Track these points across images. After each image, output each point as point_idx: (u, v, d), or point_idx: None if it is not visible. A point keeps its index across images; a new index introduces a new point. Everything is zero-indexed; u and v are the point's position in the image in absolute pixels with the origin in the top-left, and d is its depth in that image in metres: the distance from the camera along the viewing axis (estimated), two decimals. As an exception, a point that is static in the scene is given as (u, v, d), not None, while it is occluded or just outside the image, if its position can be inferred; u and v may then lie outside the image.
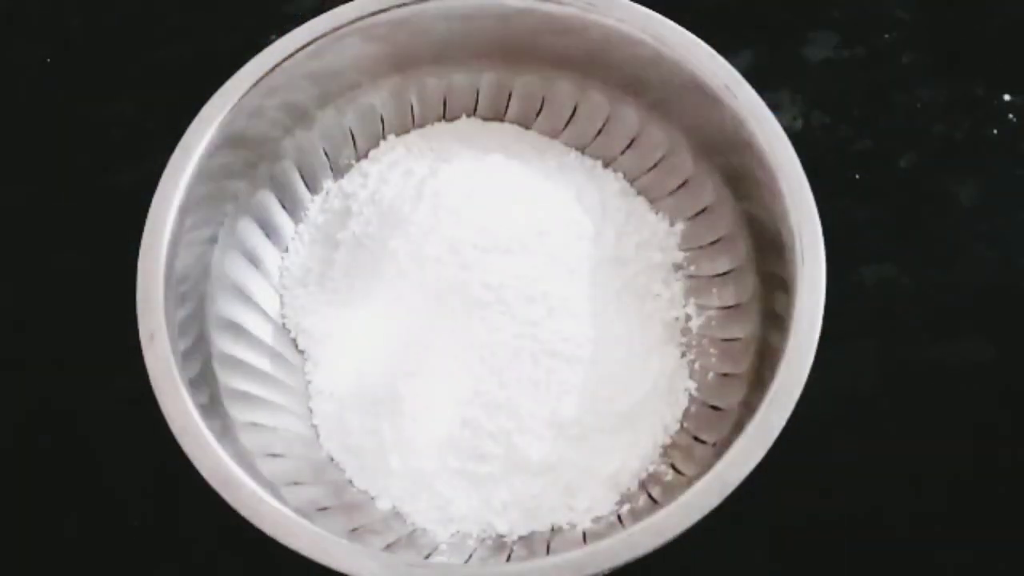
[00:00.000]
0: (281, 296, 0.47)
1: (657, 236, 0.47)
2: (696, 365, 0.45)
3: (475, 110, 0.50)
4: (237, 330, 0.44)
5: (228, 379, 0.42)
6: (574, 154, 0.49)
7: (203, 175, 0.42)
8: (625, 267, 0.46)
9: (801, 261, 0.39)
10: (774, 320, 0.41)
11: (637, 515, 0.41)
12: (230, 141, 0.43)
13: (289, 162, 0.47)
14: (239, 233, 0.45)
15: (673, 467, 0.43)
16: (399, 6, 0.45)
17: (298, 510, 0.36)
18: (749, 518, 0.43)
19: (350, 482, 0.43)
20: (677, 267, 0.47)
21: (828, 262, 0.39)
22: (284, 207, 0.48)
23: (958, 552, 0.44)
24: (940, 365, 0.47)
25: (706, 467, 0.37)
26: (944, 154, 0.52)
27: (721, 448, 0.39)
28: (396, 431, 0.42)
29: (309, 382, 0.45)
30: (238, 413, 0.41)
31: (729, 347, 0.44)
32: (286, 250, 0.48)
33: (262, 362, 0.44)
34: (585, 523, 0.42)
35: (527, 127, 0.50)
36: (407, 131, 0.50)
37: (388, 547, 0.39)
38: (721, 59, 0.43)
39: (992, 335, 0.48)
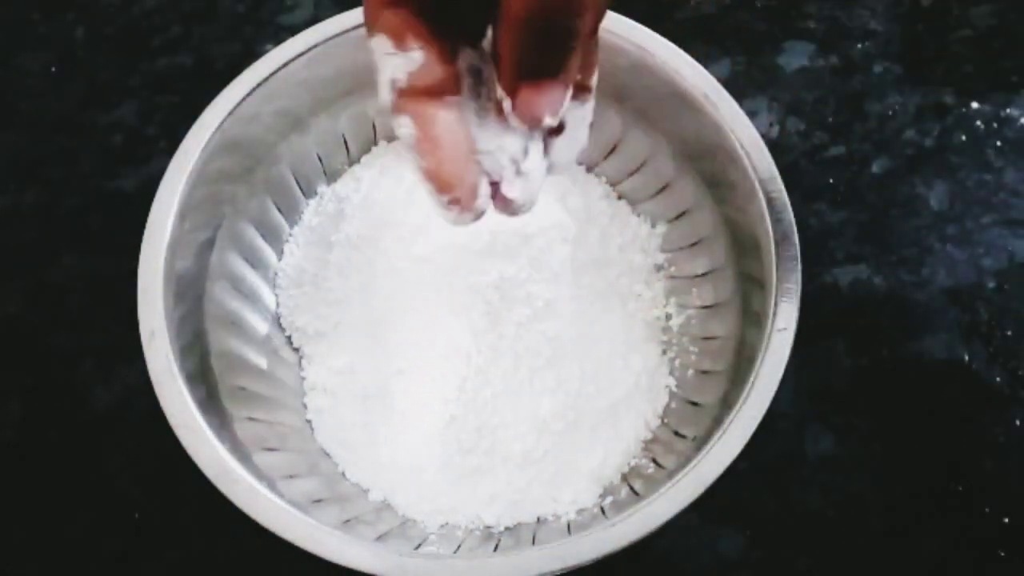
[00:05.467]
0: (277, 295, 0.48)
1: (639, 238, 0.48)
2: (676, 362, 0.46)
3: (464, 117, 0.51)
4: (234, 328, 0.45)
5: (226, 375, 0.43)
6: (559, 159, 0.50)
7: (202, 179, 0.43)
8: (608, 268, 0.47)
9: (777, 262, 0.40)
10: (751, 319, 0.42)
11: (619, 507, 0.42)
12: (228, 146, 0.44)
13: (285, 166, 0.48)
14: (236, 235, 0.46)
15: (654, 461, 0.43)
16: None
17: (293, 502, 0.37)
18: (727, 510, 0.45)
19: (343, 475, 0.44)
20: (658, 268, 0.48)
21: (803, 263, 0.40)
22: (280, 210, 0.48)
23: (929, 542, 0.44)
24: (911, 362, 0.48)
25: (686, 461, 0.37)
26: (915, 160, 0.53)
27: (700, 442, 0.40)
28: (387, 426, 0.43)
29: (303, 378, 0.46)
30: (235, 408, 0.42)
31: (708, 345, 0.45)
32: (282, 251, 0.48)
33: (258, 359, 0.45)
34: (569, 515, 0.43)
35: (513, 133, 0.51)
36: (398, 137, 0.50)
37: (380, 537, 0.40)
38: (701, 68, 0.44)
39: (961, 333, 0.49)
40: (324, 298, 0.46)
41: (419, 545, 0.41)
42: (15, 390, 0.49)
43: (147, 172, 0.52)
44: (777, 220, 0.41)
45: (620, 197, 0.50)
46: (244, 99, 0.44)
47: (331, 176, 0.50)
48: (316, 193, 0.49)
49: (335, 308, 0.46)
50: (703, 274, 0.46)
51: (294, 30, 0.45)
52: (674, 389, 0.45)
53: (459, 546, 0.41)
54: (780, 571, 0.44)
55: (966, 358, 0.48)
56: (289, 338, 0.47)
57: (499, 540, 0.42)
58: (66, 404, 0.48)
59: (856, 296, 0.50)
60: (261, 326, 0.46)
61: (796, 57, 0.56)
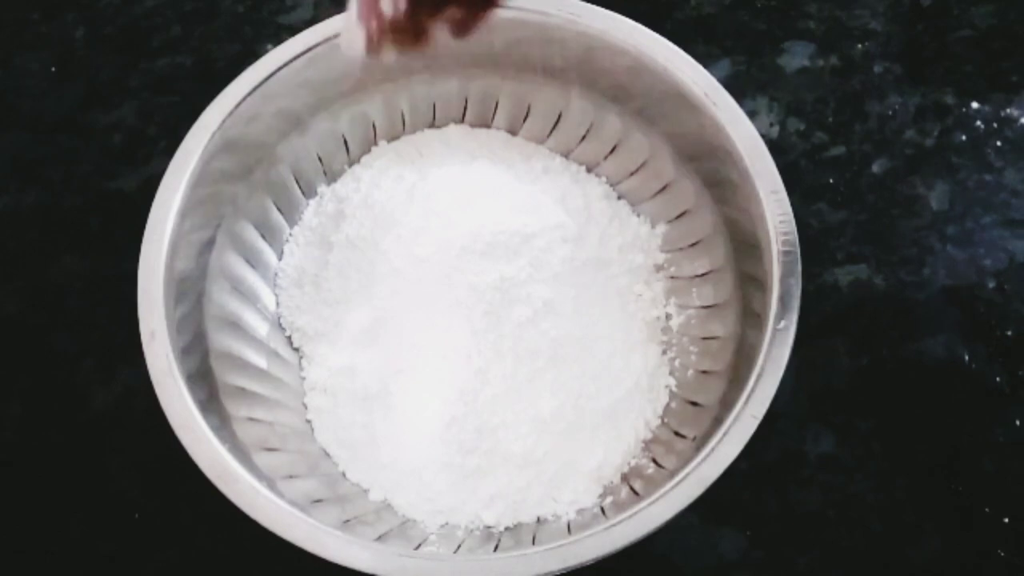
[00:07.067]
0: (277, 296, 0.48)
1: (639, 238, 0.48)
2: (676, 362, 0.46)
3: (463, 117, 0.51)
4: (234, 328, 0.45)
5: (226, 376, 0.43)
6: (559, 159, 0.50)
7: (202, 179, 0.43)
8: (608, 268, 0.47)
9: (777, 262, 0.40)
10: (751, 319, 0.42)
11: (620, 507, 0.42)
12: (228, 146, 0.44)
13: (285, 167, 0.48)
14: (236, 235, 0.46)
15: (654, 461, 0.44)
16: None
17: (293, 502, 0.37)
18: (727, 510, 0.45)
19: (343, 475, 0.44)
20: (658, 268, 0.48)
21: (803, 263, 0.40)
22: (280, 210, 0.48)
23: (929, 542, 0.45)
24: (911, 362, 0.48)
25: (686, 461, 0.38)
26: (915, 160, 0.53)
27: (700, 442, 0.40)
28: (387, 426, 0.43)
29: (303, 378, 0.46)
30: (235, 408, 0.42)
31: (708, 345, 0.45)
32: (281, 251, 0.48)
33: (258, 359, 0.45)
34: (570, 515, 0.43)
35: (514, 133, 0.51)
36: (398, 137, 0.51)
37: (380, 538, 0.40)
38: (701, 68, 0.44)
39: (960, 333, 0.49)
40: (324, 298, 0.46)
41: (419, 545, 0.41)
42: (15, 390, 0.49)
43: (147, 172, 0.53)
44: (777, 220, 0.41)
45: (620, 197, 0.50)
46: (244, 99, 0.44)
47: (331, 176, 0.50)
48: (316, 193, 0.49)
49: (335, 308, 0.46)
50: (703, 274, 0.46)
51: (294, 30, 0.45)
52: (674, 389, 0.45)
53: (459, 546, 0.41)
54: (780, 571, 0.44)
55: (966, 358, 0.48)
56: (289, 338, 0.47)
57: (499, 540, 0.42)
58: (66, 404, 0.48)
59: (856, 296, 0.50)
60: (261, 326, 0.46)
61: (796, 57, 0.56)
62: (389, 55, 0.35)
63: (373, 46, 0.34)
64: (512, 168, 0.48)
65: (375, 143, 0.50)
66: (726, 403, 0.40)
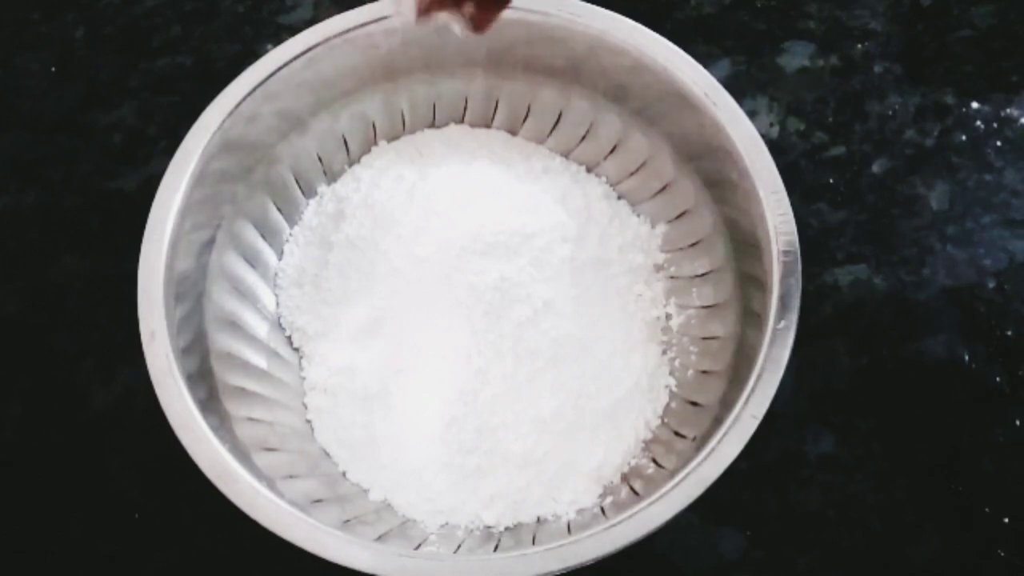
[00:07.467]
0: (277, 296, 0.47)
1: (639, 238, 0.48)
2: (676, 362, 0.46)
3: (463, 117, 0.51)
4: (234, 328, 0.45)
5: (226, 375, 0.43)
6: (559, 159, 0.50)
7: (202, 179, 0.43)
8: (608, 268, 0.47)
9: (777, 262, 0.40)
10: (751, 319, 0.42)
11: (620, 507, 0.42)
12: (228, 146, 0.44)
13: (285, 166, 0.48)
14: (236, 235, 0.46)
15: (654, 461, 0.44)
16: (390, 17, 0.45)
17: (293, 502, 0.37)
18: (727, 510, 0.45)
19: (343, 475, 0.44)
20: (658, 268, 0.48)
21: (803, 263, 0.40)
22: (280, 210, 0.48)
23: (929, 542, 0.45)
24: (911, 362, 0.48)
25: (686, 461, 0.38)
26: (915, 160, 0.53)
27: (700, 442, 0.40)
28: (387, 426, 0.43)
29: (303, 378, 0.46)
30: (235, 408, 0.42)
31: (708, 345, 0.45)
32: (281, 251, 0.48)
33: (258, 359, 0.45)
34: (570, 515, 0.43)
35: (514, 133, 0.51)
36: (398, 137, 0.51)
37: (380, 538, 0.40)
38: (701, 68, 0.44)
39: (960, 333, 0.49)
40: (324, 298, 0.46)
41: (419, 545, 0.41)
42: (15, 390, 0.49)
43: (147, 172, 0.53)
44: (777, 220, 0.41)
45: (620, 197, 0.50)
46: (244, 99, 0.44)
47: (331, 176, 0.50)
48: (316, 193, 0.49)
49: (335, 308, 0.46)
50: (703, 274, 0.46)
51: (294, 30, 0.45)
52: (674, 389, 0.45)
53: (459, 546, 0.41)
54: (780, 571, 0.44)
55: (966, 358, 0.48)
56: (289, 338, 0.47)
57: (499, 540, 0.42)
58: (66, 404, 0.48)
59: (856, 296, 0.50)
60: (261, 326, 0.46)
61: (796, 57, 0.56)
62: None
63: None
64: (512, 168, 0.48)
65: (375, 143, 0.50)
66: (726, 403, 0.40)
